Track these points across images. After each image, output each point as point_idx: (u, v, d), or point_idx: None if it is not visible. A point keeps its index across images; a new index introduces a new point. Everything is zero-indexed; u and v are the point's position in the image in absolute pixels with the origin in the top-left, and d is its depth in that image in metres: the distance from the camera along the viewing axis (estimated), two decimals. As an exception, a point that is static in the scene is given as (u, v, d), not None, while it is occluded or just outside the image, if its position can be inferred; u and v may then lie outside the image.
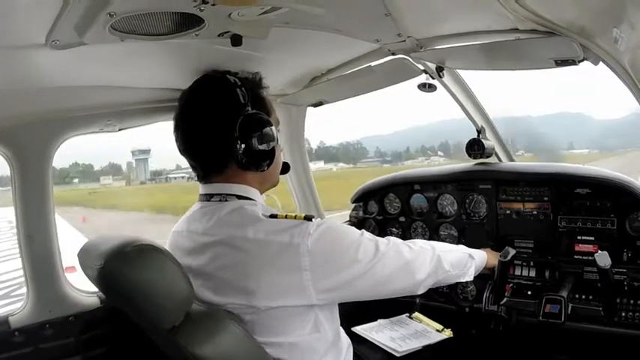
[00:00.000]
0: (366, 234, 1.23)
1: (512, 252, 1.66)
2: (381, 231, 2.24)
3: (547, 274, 1.77)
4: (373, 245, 1.20)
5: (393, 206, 2.24)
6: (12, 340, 1.50)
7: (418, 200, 2.16)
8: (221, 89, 1.23)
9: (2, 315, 1.54)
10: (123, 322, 1.39)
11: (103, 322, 1.65)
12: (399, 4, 1.26)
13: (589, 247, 1.70)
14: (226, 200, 1.23)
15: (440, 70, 1.74)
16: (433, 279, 1.36)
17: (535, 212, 1.83)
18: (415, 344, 1.69)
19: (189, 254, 1.24)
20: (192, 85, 1.28)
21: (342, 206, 2.78)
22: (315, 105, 2.08)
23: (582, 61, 1.29)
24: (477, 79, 1.97)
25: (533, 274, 1.80)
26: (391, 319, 1.90)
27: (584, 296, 1.66)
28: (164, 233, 1.42)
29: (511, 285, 1.76)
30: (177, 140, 1.28)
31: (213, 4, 1.00)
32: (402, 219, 2.19)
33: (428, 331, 1.80)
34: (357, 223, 2.32)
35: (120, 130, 1.74)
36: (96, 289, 1.61)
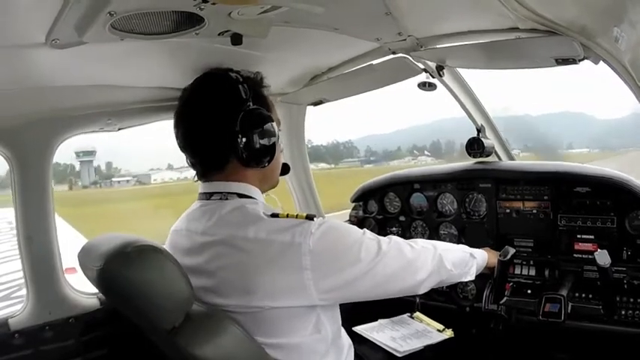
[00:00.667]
0: (368, 233, 1.22)
1: (511, 251, 1.66)
2: (381, 230, 2.24)
3: (547, 272, 1.77)
4: (375, 244, 1.20)
5: (392, 205, 2.24)
6: (12, 342, 1.49)
7: (418, 199, 2.16)
8: (223, 85, 1.23)
9: (2, 317, 1.53)
10: (123, 323, 1.39)
11: (103, 324, 1.64)
12: (400, 3, 1.26)
13: (589, 246, 1.70)
14: (227, 199, 1.22)
15: (440, 69, 1.75)
16: (435, 278, 1.35)
17: (535, 211, 1.84)
18: (416, 344, 1.68)
19: (188, 254, 1.23)
20: (194, 81, 1.28)
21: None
22: (315, 104, 2.08)
23: (583, 60, 1.29)
24: (475, 77, 1.97)
25: (533, 273, 1.80)
26: (392, 318, 1.90)
27: (583, 295, 1.67)
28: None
29: (511, 284, 1.76)
30: (177, 137, 1.28)
31: (214, 3, 0.99)
32: (402, 218, 2.19)
33: (429, 331, 1.79)
34: (357, 222, 2.32)
35: (120, 129, 1.73)
36: (96, 291, 1.61)
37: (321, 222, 1.14)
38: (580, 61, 1.29)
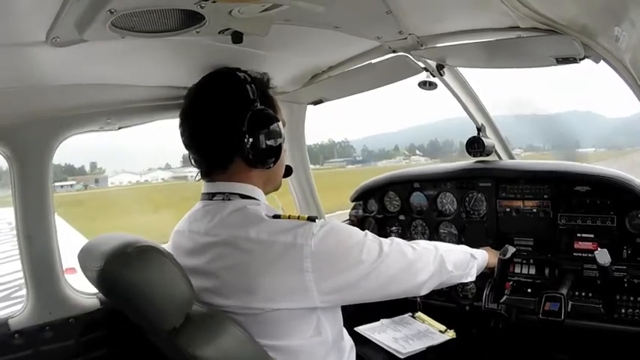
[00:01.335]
0: (370, 235, 1.22)
1: (511, 250, 1.66)
2: (381, 229, 2.24)
3: (547, 271, 1.78)
4: (377, 246, 1.20)
5: (392, 204, 2.24)
6: (12, 342, 1.49)
7: (418, 198, 2.16)
8: (232, 84, 1.23)
9: (2, 317, 1.52)
10: (123, 323, 1.38)
11: (103, 324, 1.63)
12: (400, 1, 1.26)
13: (589, 245, 1.71)
14: (229, 199, 1.22)
15: (440, 67, 1.75)
16: (436, 280, 1.35)
17: (535, 210, 1.84)
18: (419, 345, 1.68)
19: (190, 254, 1.23)
20: (201, 79, 1.28)
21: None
22: (316, 103, 2.07)
23: (583, 59, 1.29)
24: (478, 74, 1.97)
25: (533, 271, 1.81)
26: (394, 318, 1.90)
27: (583, 293, 1.67)
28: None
29: (511, 283, 1.76)
30: (182, 135, 1.27)
31: (214, 1, 0.99)
32: (401, 217, 2.19)
33: (431, 332, 1.79)
34: (357, 221, 2.32)
35: (120, 128, 1.72)
36: (96, 291, 1.61)
37: (323, 224, 1.14)
38: (581, 60, 1.30)
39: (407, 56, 1.59)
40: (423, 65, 1.70)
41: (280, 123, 1.24)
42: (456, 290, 1.98)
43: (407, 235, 2.17)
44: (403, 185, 2.19)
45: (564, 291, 1.63)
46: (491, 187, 1.93)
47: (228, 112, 1.19)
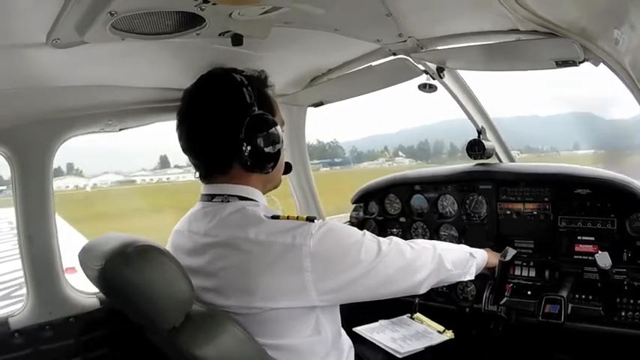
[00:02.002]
0: (368, 234, 1.22)
1: (512, 252, 1.66)
2: (382, 231, 2.24)
3: (547, 274, 1.77)
4: (375, 245, 1.20)
5: (393, 207, 2.24)
6: (12, 341, 1.50)
7: (419, 201, 2.16)
8: (227, 88, 1.21)
9: (2, 316, 1.53)
10: (123, 323, 1.39)
11: (103, 324, 1.64)
12: (400, 4, 1.26)
13: (589, 248, 1.70)
14: (228, 201, 1.22)
15: (440, 70, 1.74)
16: (435, 278, 1.35)
17: (535, 212, 1.84)
18: (417, 345, 1.68)
19: (190, 254, 1.23)
20: (196, 82, 1.26)
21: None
22: (316, 105, 2.08)
23: (583, 62, 1.29)
24: (477, 77, 1.97)
25: (533, 274, 1.80)
26: (392, 319, 1.90)
27: (584, 296, 1.66)
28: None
29: (511, 285, 1.76)
30: (180, 138, 1.27)
31: (214, 4, 0.99)
32: (402, 219, 2.19)
33: (429, 332, 1.79)
34: (358, 223, 2.32)
35: (120, 129, 1.73)
36: (96, 290, 1.62)
37: (322, 224, 1.14)
38: (580, 63, 1.29)
39: (407, 59, 1.60)
40: (422, 68, 1.70)
41: (279, 126, 1.22)
42: (456, 292, 1.98)
43: (407, 237, 2.17)
44: (404, 188, 2.19)
45: (564, 293, 1.62)
46: (492, 189, 1.93)
47: (225, 119, 1.18)
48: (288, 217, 1.16)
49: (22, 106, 1.43)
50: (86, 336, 1.62)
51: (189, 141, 1.25)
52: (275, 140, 1.20)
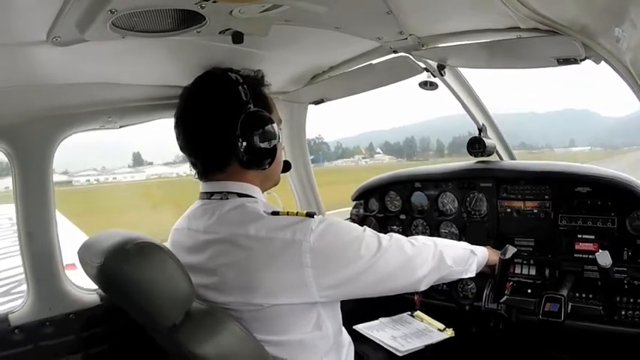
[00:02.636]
0: (369, 230, 1.22)
1: (512, 250, 1.66)
2: (382, 228, 2.24)
3: (547, 272, 1.77)
4: (376, 241, 1.20)
5: (393, 204, 2.24)
6: (12, 337, 1.50)
7: (419, 198, 2.16)
8: (223, 86, 1.22)
9: (2, 312, 1.53)
10: (123, 319, 1.39)
11: (104, 320, 1.65)
12: (401, 2, 1.26)
13: (589, 246, 1.70)
14: (227, 198, 1.22)
15: (441, 68, 1.74)
16: (435, 275, 1.36)
17: (536, 211, 1.84)
18: (417, 344, 1.68)
19: (190, 252, 1.24)
20: (193, 82, 1.27)
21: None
22: (316, 102, 2.08)
23: (584, 60, 1.28)
24: (476, 75, 1.97)
25: (533, 272, 1.80)
26: (393, 317, 1.90)
27: (584, 295, 1.67)
28: None
29: (511, 283, 1.76)
30: (177, 137, 1.28)
31: (215, 1, 0.99)
32: (402, 217, 2.19)
33: (430, 330, 1.79)
34: (358, 220, 2.32)
35: (121, 127, 1.73)
36: (96, 287, 1.62)
37: (322, 219, 1.15)
38: (581, 61, 1.29)
39: (408, 56, 1.59)
40: (423, 65, 1.70)
41: (275, 123, 1.23)
42: (456, 290, 1.98)
43: (407, 234, 2.15)
44: (404, 185, 2.19)
45: (564, 292, 1.63)
46: (492, 187, 1.93)
47: (221, 117, 1.19)
48: (287, 213, 1.16)
49: (22, 103, 1.43)
50: (86, 332, 1.62)
51: (187, 139, 1.26)
52: (271, 137, 1.21)
